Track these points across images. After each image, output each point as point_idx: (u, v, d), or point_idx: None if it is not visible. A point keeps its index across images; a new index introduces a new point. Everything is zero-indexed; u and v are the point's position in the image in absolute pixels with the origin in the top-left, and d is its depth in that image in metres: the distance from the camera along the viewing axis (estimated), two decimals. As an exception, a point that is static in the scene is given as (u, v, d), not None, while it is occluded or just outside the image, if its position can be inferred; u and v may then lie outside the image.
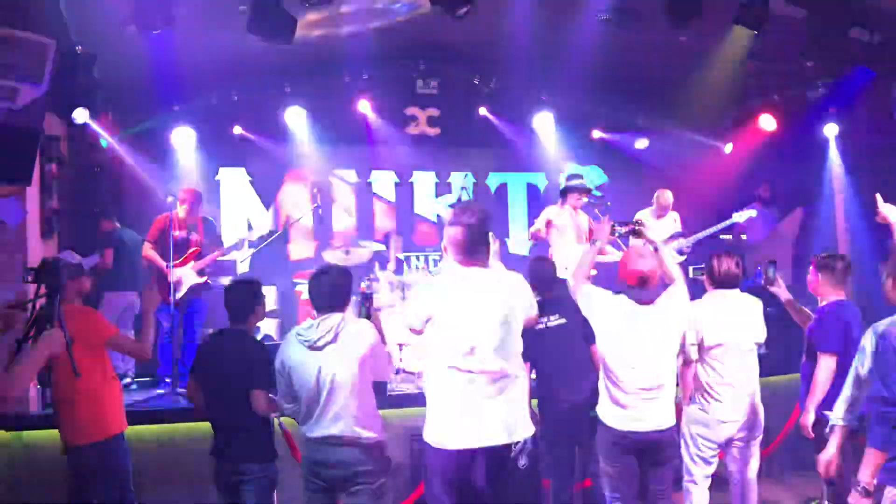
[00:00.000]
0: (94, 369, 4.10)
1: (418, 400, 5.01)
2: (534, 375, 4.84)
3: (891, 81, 7.05)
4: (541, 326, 4.63)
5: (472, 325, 3.21)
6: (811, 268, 4.57)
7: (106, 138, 7.70)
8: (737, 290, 4.61)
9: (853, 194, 8.04)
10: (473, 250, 3.29)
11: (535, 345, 4.40)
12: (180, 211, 6.78)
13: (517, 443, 3.22)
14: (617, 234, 4.51)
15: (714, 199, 8.76)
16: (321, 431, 3.69)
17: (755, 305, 4.65)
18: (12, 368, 2.89)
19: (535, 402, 4.71)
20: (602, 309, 4.02)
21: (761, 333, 4.60)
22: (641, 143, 9.78)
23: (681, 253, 7.57)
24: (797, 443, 5.65)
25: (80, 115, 6.75)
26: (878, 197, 4.26)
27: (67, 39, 6.09)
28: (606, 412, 4.06)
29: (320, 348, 3.69)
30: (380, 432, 3.78)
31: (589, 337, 4.46)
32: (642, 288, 3.95)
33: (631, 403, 3.97)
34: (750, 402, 4.49)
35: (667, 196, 7.89)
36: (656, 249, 4.22)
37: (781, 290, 4.83)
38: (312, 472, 3.76)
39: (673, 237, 7.70)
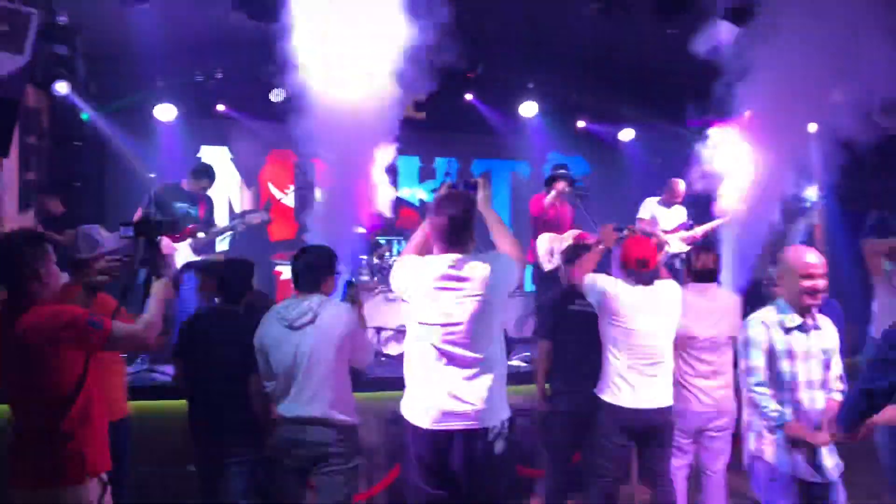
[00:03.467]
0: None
1: (396, 384, 5.02)
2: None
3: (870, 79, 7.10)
4: (574, 309, 4.64)
5: (450, 307, 3.22)
6: None
7: (87, 112, 7.61)
8: (714, 285, 4.67)
9: (830, 190, 8.12)
10: (454, 240, 3.30)
11: (560, 326, 4.63)
12: (186, 183, 6.65)
13: (493, 427, 3.24)
14: (616, 239, 4.67)
15: (700, 192, 8.80)
16: (296, 411, 3.71)
17: (732, 300, 4.71)
18: (143, 317, 3.16)
19: (547, 385, 4.74)
20: (609, 291, 4.26)
21: (737, 328, 4.66)
22: (626, 135, 9.81)
23: (687, 244, 7.58)
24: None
25: (62, 88, 6.66)
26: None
27: (50, 10, 6.00)
28: (613, 393, 4.26)
29: (298, 327, 3.70)
30: (353, 416, 3.80)
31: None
32: (642, 270, 4.25)
33: (637, 382, 4.21)
34: (723, 394, 4.55)
35: (679, 186, 7.85)
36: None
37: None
38: (284, 452, 3.77)
39: (680, 227, 7.75)
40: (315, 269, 3.84)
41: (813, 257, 3.56)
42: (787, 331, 3.57)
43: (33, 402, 2.98)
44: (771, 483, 3.60)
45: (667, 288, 4.38)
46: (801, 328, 3.57)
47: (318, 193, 8.40)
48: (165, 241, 3.41)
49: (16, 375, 2.97)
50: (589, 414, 4.54)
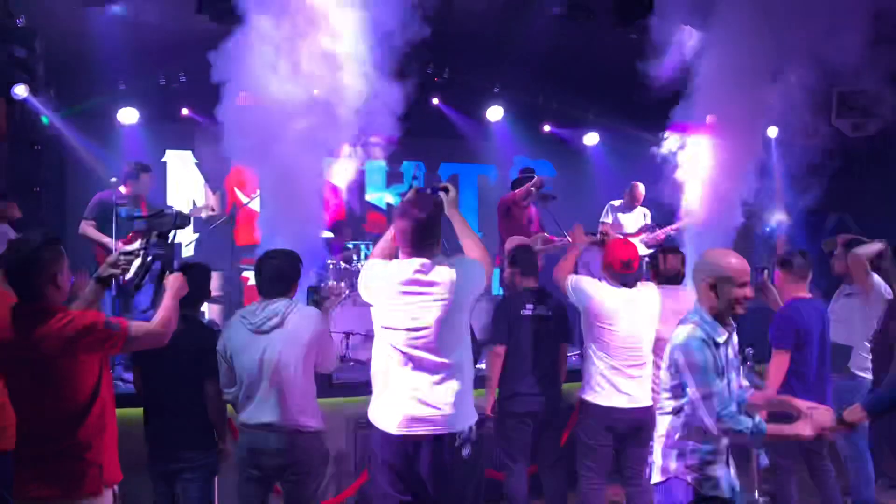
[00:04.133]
0: None
1: (364, 389, 5.00)
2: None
3: (831, 85, 7.26)
4: (526, 313, 4.68)
5: (417, 312, 3.21)
6: (776, 269, 4.74)
7: (47, 115, 7.46)
8: (681, 286, 4.73)
9: (791, 196, 8.27)
10: (421, 244, 3.27)
11: (516, 330, 4.66)
12: (123, 188, 6.44)
13: (461, 432, 3.23)
14: (590, 242, 4.89)
15: (664, 196, 8.90)
16: (261, 417, 3.67)
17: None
18: (158, 313, 3.12)
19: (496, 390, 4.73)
20: (593, 293, 4.35)
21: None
22: (591, 139, 9.90)
23: (648, 247, 7.67)
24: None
25: (20, 91, 6.53)
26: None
27: (6, 11, 5.89)
28: (596, 393, 4.33)
29: (265, 332, 3.67)
30: (319, 422, 3.78)
31: (563, 335, 4.68)
32: (626, 272, 4.33)
33: (620, 381, 4.29)
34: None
35: (639, 189, 7.97)
36: None
37: (770, 296, 4.93)
38: (249, 460, 3.73)
39: (642, 230, 7.84)
40: (281, 274, 3.82)
41: (743, 262, 3.13)
42: (717, 347, 3.09)
43: (50, 411, 2.85)
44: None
45: (648, 290, 4.47)
46: (726, 342, 3.13)
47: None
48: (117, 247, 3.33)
49: (31, 384, 2.85)
50: (546, 415, 4.63)
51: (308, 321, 3.74)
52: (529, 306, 4.69)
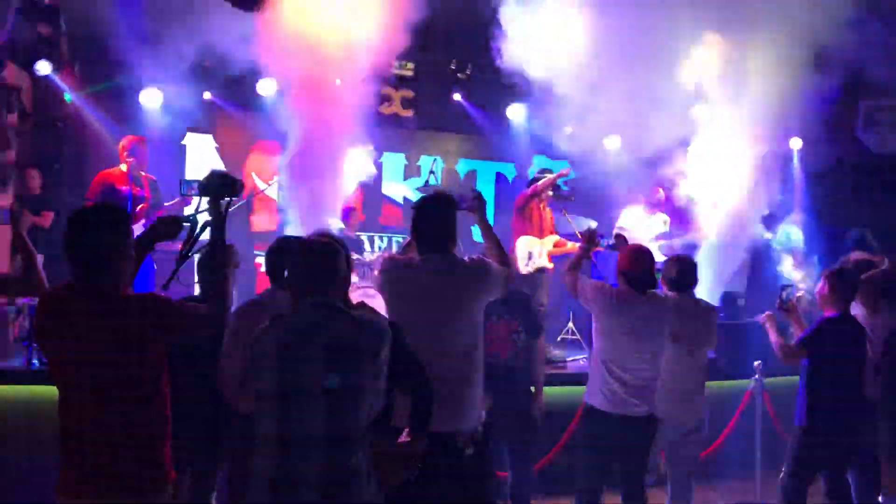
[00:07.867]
0: None
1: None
2: None
3: (855, 98, 7.16)
4: None
5: (421, 307, 3.20)
6: (822, 281, 4.64)
7: (70, 93, 7.51)
8: (691, 293, 4.68)
9: (812, 207, 8.17)
10: (438, 244, 3.29)
11: None
12: (123, 165, 6.47)
13: (464, 431, 3.20)
14: (602, 246, 4.80)
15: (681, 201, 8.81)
16: None
17: (710, 310, 4.73)
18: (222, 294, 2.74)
19: None
20: (607, 299, 4.23)
21: (713, 338, 4.67)
22: (612, 142, 9.79)
23: (665, 255, 7.58)
24: (737, 447, 5.79)
25: (43, 68, 6.58)
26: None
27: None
28: (600, 398, 4.22)
29: None
30: None
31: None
32: (640, 278, 4.22)
33: (629, 389, 4.16)
34: (693, 402, 4.56)
35: (659, 195, 7.92)
36: None
37: (795, 316, 4.81)
38: None
39: (659, 237, 7.76)
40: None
41: None
42: None
43: (126, 399, 2.53)
44: None
45: (660, 297, 4.39)
46: None
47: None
48: None
49: (106, 370, 2.50)
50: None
51: None
52: None
